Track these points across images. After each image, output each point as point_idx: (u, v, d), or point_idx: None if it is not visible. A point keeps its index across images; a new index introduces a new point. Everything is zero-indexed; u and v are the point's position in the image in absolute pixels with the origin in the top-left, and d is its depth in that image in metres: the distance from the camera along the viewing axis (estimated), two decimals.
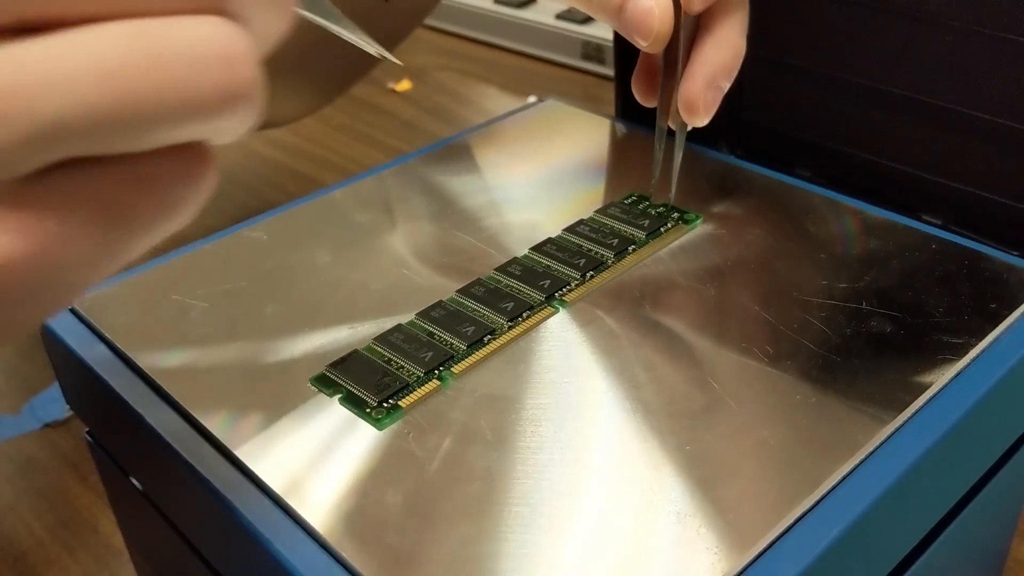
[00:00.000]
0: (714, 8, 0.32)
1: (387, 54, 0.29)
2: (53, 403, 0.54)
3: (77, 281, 0.16)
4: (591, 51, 0.89)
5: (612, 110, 0.50)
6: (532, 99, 0.57)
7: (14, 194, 0.15)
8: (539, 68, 0.93)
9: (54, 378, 0.28)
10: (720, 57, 0.32)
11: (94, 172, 0.15)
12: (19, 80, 0.14)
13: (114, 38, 0.14)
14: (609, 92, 0.50)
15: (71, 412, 0.54)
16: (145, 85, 0.15)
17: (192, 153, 0.17)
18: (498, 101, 0.88)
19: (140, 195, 0.16)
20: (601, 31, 0.87)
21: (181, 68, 0.15)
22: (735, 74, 0.33)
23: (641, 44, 0.32)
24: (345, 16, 0.26)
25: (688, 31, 0.33)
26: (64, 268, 0.16)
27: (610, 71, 0.89)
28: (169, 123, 0.15)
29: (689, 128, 0.35)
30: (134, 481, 0.33)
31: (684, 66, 0.33)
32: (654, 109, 0.36)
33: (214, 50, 0.15)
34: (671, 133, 0.36)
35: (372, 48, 0.28)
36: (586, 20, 0.89)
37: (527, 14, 0.95)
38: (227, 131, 0.16)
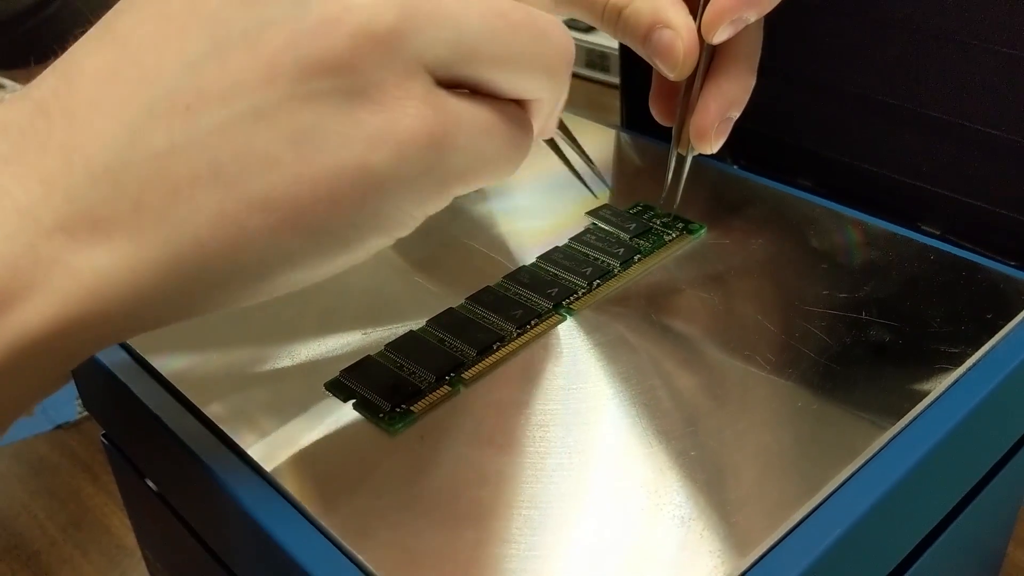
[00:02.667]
0: (732, 38, 0.33)
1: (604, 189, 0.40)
2: (66, 404, 0.55)
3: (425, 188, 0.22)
4: (595, 59, 0.90)
5: (617, 117, 0.51)
6: None
7: (428, 93, 0.21)
8: None
9: (67, 379, 0.29)
10: (733, 91, 0.33)
11: (472, 101, 0.22)
12: (437, 8, 0.21)
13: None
14: (613, 99, 0.51)
15: (83, 413, 0.55)
16: (510, 32, 0.22)
17: (521, 117, 0.24)
18: None
19: (488, 132, 0.23)
20: (605, 40, 0.88)
21: (541, 26, 0.23)
22: (744, 104, 0.34)
23: (666, 73, 0.33)
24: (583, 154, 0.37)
25: (706, 57, 0.33)
26: (432, 165, 0.22)
27: (614, 79, 0.89)
28: (518, 66, 0.23)
29: (697, 152, 0.35)
30: (149, 482, 0.34)
31: (698, 93, 0.34)
32: (660, 119, 0.37)
33: (557, 33, 0.23)
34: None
35: (598, 187, 0.39)
36: (590, 29, 0.90)
37: None
38: (544, 90, 0.24)
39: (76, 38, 0.50)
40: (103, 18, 0.23)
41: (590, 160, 0.38)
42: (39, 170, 0.20)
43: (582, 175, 0.38)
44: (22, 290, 0.20)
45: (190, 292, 0.22)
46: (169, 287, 0.21)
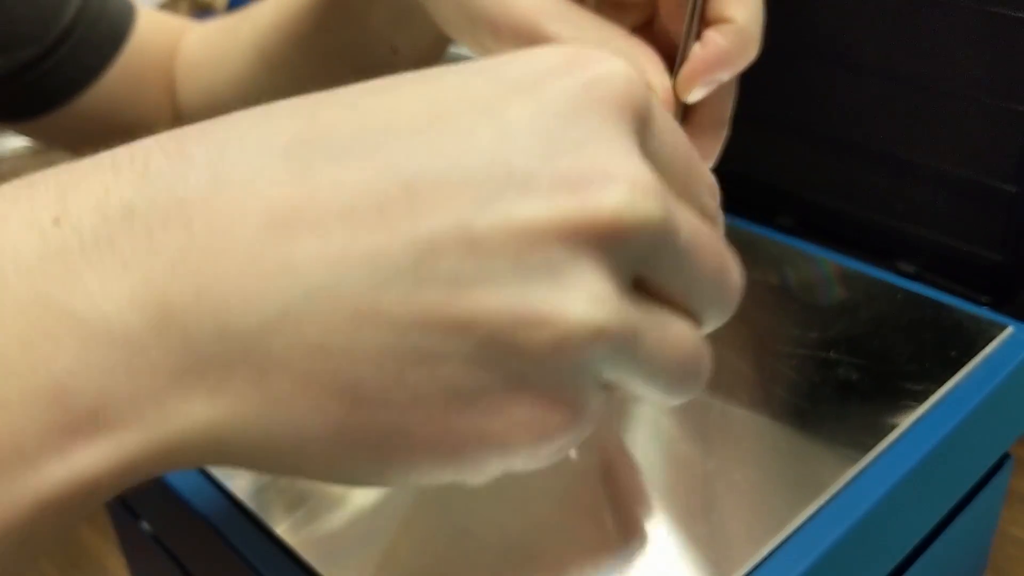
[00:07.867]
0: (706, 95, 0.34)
1: None
2: None
3: None
4: None
5: None
6: None
7: (583, 390, 0.21)
8: None
9: None
10: (707, 145, 0.35)
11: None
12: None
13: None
14: None
15: None
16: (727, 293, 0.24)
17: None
18: None
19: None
20: None
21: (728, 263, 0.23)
22: (717, 156, 0.35)
23: None
24: None
25: (680, 112, 0.35)
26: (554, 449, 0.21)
27: None
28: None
29: None
30: (144, 524, 0.35)
31: None
32: None
33: (737, 275, 0.23)
34: None
35: None
36: None
37: None
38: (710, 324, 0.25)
39: (75, 88, 0.51)
40: (199, 153, 0.19)
41: None
42: (156, 289, 0.18)
43: None
44: (108, 423, 0.18)
45: (269, 460, 0.20)
46: (255, 452, 0.20)
